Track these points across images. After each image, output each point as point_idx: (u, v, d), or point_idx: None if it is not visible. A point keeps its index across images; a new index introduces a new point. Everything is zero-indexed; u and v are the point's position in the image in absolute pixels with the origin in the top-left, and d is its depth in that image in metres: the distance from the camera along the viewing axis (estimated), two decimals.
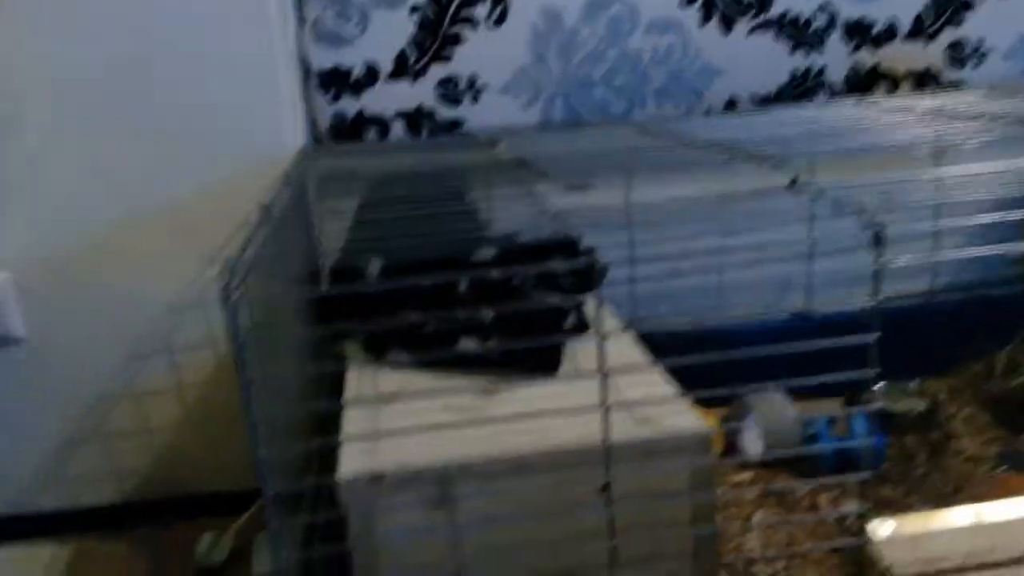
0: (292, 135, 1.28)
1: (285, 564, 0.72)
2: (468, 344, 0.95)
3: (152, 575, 1.34)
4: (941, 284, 1.46)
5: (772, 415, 1.27)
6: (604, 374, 0.73)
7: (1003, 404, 1.31)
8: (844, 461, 1.20)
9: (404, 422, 0.86)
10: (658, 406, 0.85)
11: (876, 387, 1.29)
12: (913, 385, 1.39)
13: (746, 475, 1.27)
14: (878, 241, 0.64)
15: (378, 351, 1.02)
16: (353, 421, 0.88)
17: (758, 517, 1.16)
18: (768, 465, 1.27)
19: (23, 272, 1.34)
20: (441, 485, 0.77)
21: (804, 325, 1.40)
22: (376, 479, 0.77)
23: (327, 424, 0.89)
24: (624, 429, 0.79)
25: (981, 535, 0.70)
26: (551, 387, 0.92)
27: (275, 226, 0.82)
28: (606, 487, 0.76)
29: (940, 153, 0.81)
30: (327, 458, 0.79)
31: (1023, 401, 1.28)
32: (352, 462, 0.79)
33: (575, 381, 0.93)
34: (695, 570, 0.81)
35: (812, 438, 1.25)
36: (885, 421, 1.26)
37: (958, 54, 1.34)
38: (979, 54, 1.35)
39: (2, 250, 1.33)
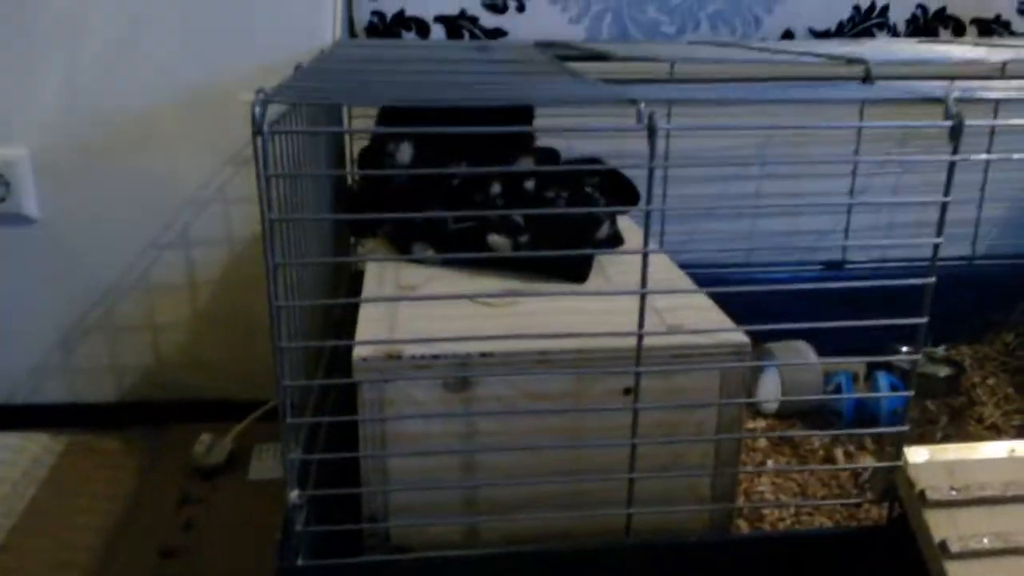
0: (329, 29, 1.23)
1: (293, 466, 0.69)
2: (497, 241, 0.91)
3: (146, 473, 1.32)
4: (981, 251, 1.42)
5: (794, 366, 1.23)
6: (643, 276, 0.69)
7: None
8: (864, 417, 1.17)
9: (427, 312, 0.83)
10: (694, 314, 0.81)
11: (903, 349, 1.27)
12: (941, 350, 1.35)
13: (761, 422, 1.24)
14: (956, 133, 0.59)
15: (403, 245, 0.98)
16: (372, 308, 0.84)
17: (771, 463, 1.14)
18: (785, 415, 1.23)
19: (42, 149, 1.31)
20: (461, 369, 0.74)
21: (838, 277, 1.36)
22: (393, 357, 0.73)
23: (345, 323, 0.86)
24: (656, 334, 0.75)
25: (1019, 467, 0.67)
26: (580, 298, 0.89)
27: (308, 84, 0.78)
28: (630, 390, 0.73)
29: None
30: (342, 360, 0.76)
31: None
32: (369, 339, 0.75)
33: (605, 290, 0.90)
34: (714, 483, 0.78)
35: (833, 391, 1.22)
36: (909, 383, 1.23)
37: None
38: None
39: (22, 123, 1.30)
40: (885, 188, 1.39)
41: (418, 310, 0.82)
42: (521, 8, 1.27)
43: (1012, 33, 1.25)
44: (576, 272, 0.91)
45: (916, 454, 0.70)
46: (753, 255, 1.41)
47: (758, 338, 1.23)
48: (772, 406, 1.24)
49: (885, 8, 1.25)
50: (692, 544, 0.74)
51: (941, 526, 0.65)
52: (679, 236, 1.32)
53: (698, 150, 1.28)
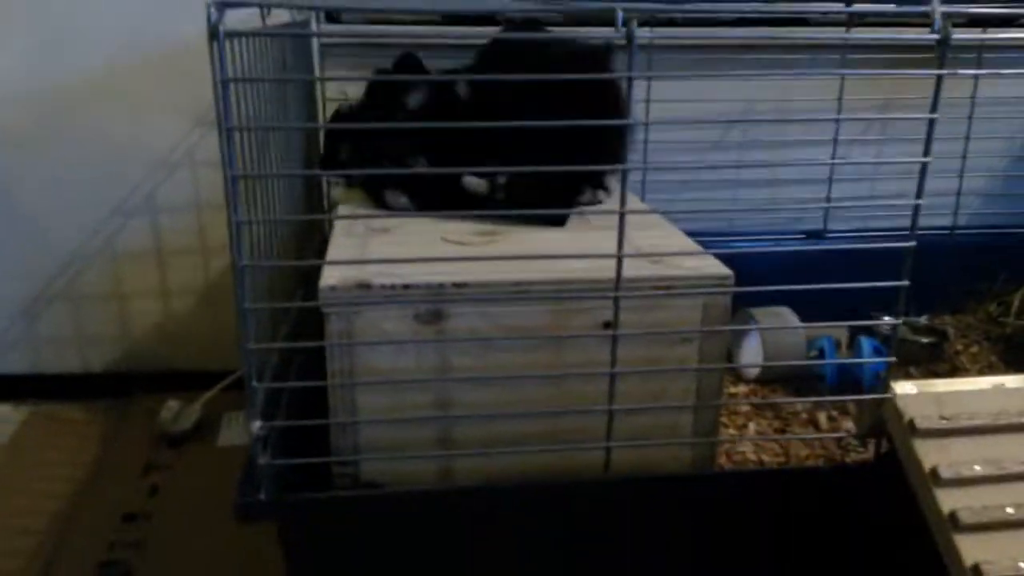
0: None
1: (255, 393, 0.65)
2: (473, 182, 0.88)
3: (111, 440, 1.28)
4: (962, 222, 1.41)
5: (776, 329, 1.21)
6: (622, 197, 0.66)
7: (1012, 343, 1.26)
8: (846, 382, 1.15)
9: (398, 248, 0.80)
10: (676, 252, 0.79)
11: (885, 317, 1.26)
12: (924, 319, 1.34)
13: (742, 387, 1.21)
14: (942, 45, 0.57)
15: (375, 191, 0.95)
16: (343, 240, 0.81)
17: (752, 427, 1.11)
18: (768, 380, 1.21)
19: (2, 106, 1.27)
20: (434, 300, 0.71)
21: (820, 246, 1.35)
22: (362, 286, 0.70)
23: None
24: (637, 267, 0.73)
25: (1010, 398, 0.65)
26: (559, 233, 0.86)
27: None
28: (609, 323, 0.70)
29: None
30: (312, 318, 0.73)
31: None
32: (337, 271, 0.72)
33: (586, 230, 0.87)
34: (696, 421, 0.75)
35: (816, 357, 1.20)
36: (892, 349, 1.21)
37: None
38: None
39: None
40: (867, 159, 1.38)
41: (390, 246, 0.79)
42: None
43: None
44: (555, 217, 0.89)
45: (904, 387, 0.68)
46: (735, 224, 1.39)
47: (740, 304, 1.23)
48: (754, 371, 1.22)
49: None
50: (675, 479, 0.71)
51: (931, 454, 0.63)
52: (660, 205, 1.30)
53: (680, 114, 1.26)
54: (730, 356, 1.24)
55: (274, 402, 0.73)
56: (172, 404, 1.30)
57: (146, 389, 1.40)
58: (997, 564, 0.57)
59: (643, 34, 0.59)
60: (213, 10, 0.58)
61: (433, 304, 0.71)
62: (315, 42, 1.22)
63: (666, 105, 1.21)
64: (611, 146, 0.69)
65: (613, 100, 0.86)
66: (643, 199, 1.31)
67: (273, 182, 0.88)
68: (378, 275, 0.71)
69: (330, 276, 0.70)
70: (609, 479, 0.70)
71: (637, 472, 0.70)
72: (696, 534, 0.72)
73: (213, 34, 0.58)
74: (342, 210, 0.94)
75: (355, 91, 1.10)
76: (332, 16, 1.28)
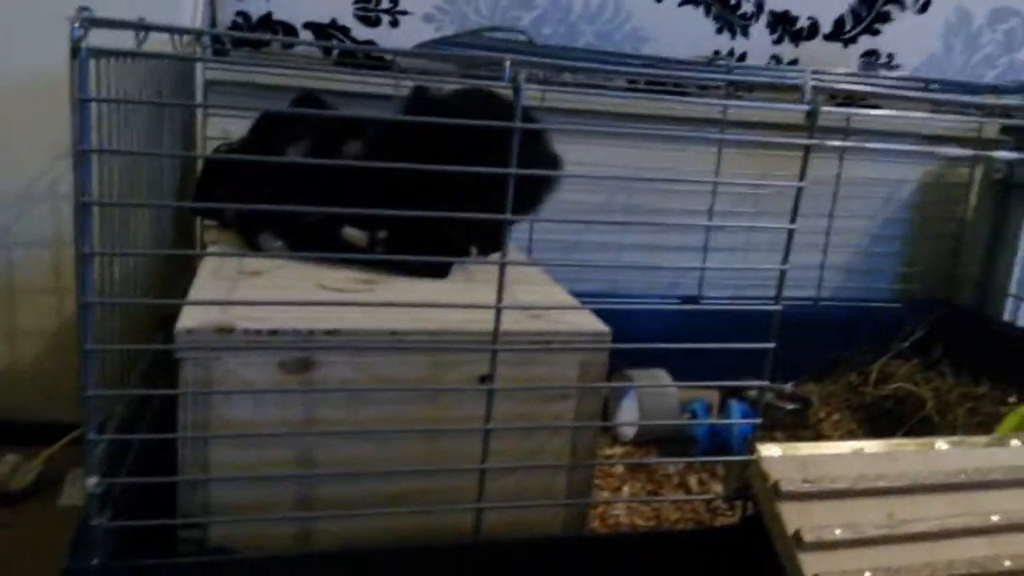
0: (189, 23, 1.16)
1: (92, 447, 0.60)
2: (353, 234, 0.86)
3: None
4: (825, 294, 1.49)
5: (652, 392, 1.23)
6: (502, 264, 0.66)
7: (872, 412, 1.32)
8: (717, 445, 1.18)
9: (269, 292, 0.76)
10: (555, 307, 0.78)
11: (753, 384, 1.30)
12: (788, 387, 1.39)
13: (618, 449, 1.22)
14: (812, 116, 0.60)
15: (249, 234, 0.91)
16: (206, 286, 0.77)
17: (627, 490, 1.11)
18: (642, 442, 1.22)
19: None
20: (302, 348, 0.67)
21: (695, 312, 1.39)
22: (224, 330, 0.66)
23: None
24: (516, 321, 0.72)
25: (868, 463, 0.67)
26: (441, 285, 0.84)
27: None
28: (486, 377, 0.68)
29: None
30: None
31: (891, 409, 1.30)
32: (197, 312, 0.67)
33: (468, 283, 0.86)
34: (570, 481, 0.73)
35: (689, 419, 1.22)
36: (762, 408, 1.25)
37: (872, 63, 1.39)
38: (891, 66, 1.41)
39: None
40: (740, 232, 1.45)
41: (261, 290, 0.75)
42: (395, 23, 1.25)
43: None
44: (437, 268, 0.87)
45: (769, 449, 0.69)
46: (617, 287, 1.42)
47: (619, 367, 1.25)
48: (630, 433, 1.22)
49: (743, 55, 1.32)
50: (543, 542, 0.69)
51: (794, 518, 0.64)
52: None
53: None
54: (607, 418, 1.25)
55: (119, 457, 0.67)
56: (10, 458, 1.18)
57: None
58: None
59: (533, 91, 0.59)
60: (77, 26, 0.55)
61: (301, 352, 0.67)
62: (199, 74, 1.18)
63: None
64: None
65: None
66: (530, 252, 1.31)
67: (137, 221, 0.83)
68: (242, 319, 0.67)
69: (188, 318, 0.66)
70: (476, 542, 0.67)
71: (506, 535, 0.67)
72: None
73: (75, 50, 0.54)
74: (212, 250, 0.89)
75: (240, 132, 1.06)
76: (219, 52, 1.24)
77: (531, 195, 0.84)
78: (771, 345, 0.70)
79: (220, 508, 0.67)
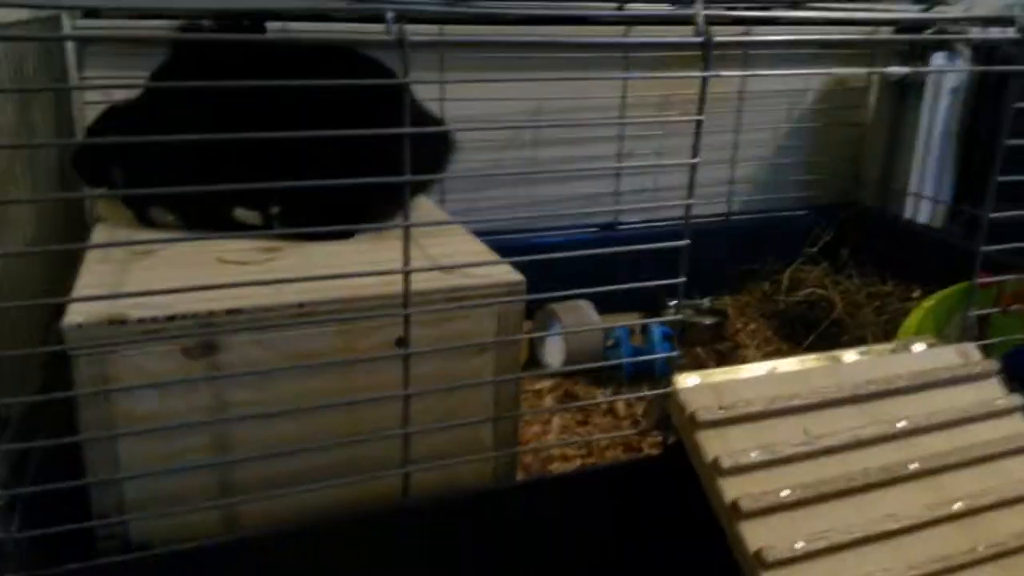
0: None
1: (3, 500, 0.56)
2: (244, 215, 0.82)
3: None
4: (735, 207, 1.51)
5: (576, 324, 1.24)
6: (405, 211, 0.63)
7: (785, 318, 1.37)
8: (641, 368, 1.20)
9: (164, 272, 0.72)
10: (468, 259, 0.77)
11: (671, 303, 1.32)
12: (707, 301, 1.42)
13: (546, 383, 1.23)
14: (706, 47, 0.59)
15: (139, 207, 0.85)
16: (95, 272, 0.72)
17: (556, 421, 1.13)
18: (570, 373, 1.24)
19: None
20: (204, 332, 0.64)
21: (611, 239, 1.39)
22: (116, 322, 0.62)
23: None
24: (428, 279, 0.70)
25: (781, 384, 0.69)
26: (347, 246, 0.81)
27: None
28: (402, 340, 0.67)
29: None
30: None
31: (804, 315, 1.34)
32: (85, 305, 0.63)
33: (376, 242, 0.83)
34: (496, 431, 0.74)
35: (613, 347, 1.24)
36: (678, 333, 1.28)
37: None
38: None
39: None
40: (650, 151, 1.44)
41: (155, 270, 0.71)
42: None
43: None
44: (341, 233, 0.84)
45: (686, 380, 0.70)
46: (534, 221, 1.40)
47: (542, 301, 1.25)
48: (557, 363, 1.24)
49: None
50: (473, 496, 0.69)
51: (713, 445, 0.65)
52: (459, 206, 1.28)
53: (473, 115, 1.25)
54: (533, 353, 1.26)
55: (22, 463, 0.63)
56: None
57: None
58: (777, 547, 0.60)
59: (419, 33, 0.55)
60: None
61: (203, 336, 0.64)
62: (68, 43, 1.09)
63: (459, 105, 1.20)
64: (403, 157, 0.64)
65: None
66: (443, 201, 1.29)
67: (16, 207, 0.77)
68: (136, 306, 0.63)
69: (76, 313, 0.62)
70: (407, 505, 0.67)
71: (437, 493, 0.67)
72: (504, 545, 0.71)
73: None
74: (99, 231, 0.84)
75: (122, 95, 0.99)
76: (90, 12, 1.14)
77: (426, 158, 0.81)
78: (682, 279, 0.71)
79: (137, 503, 0.65)
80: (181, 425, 0.63)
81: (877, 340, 1.23)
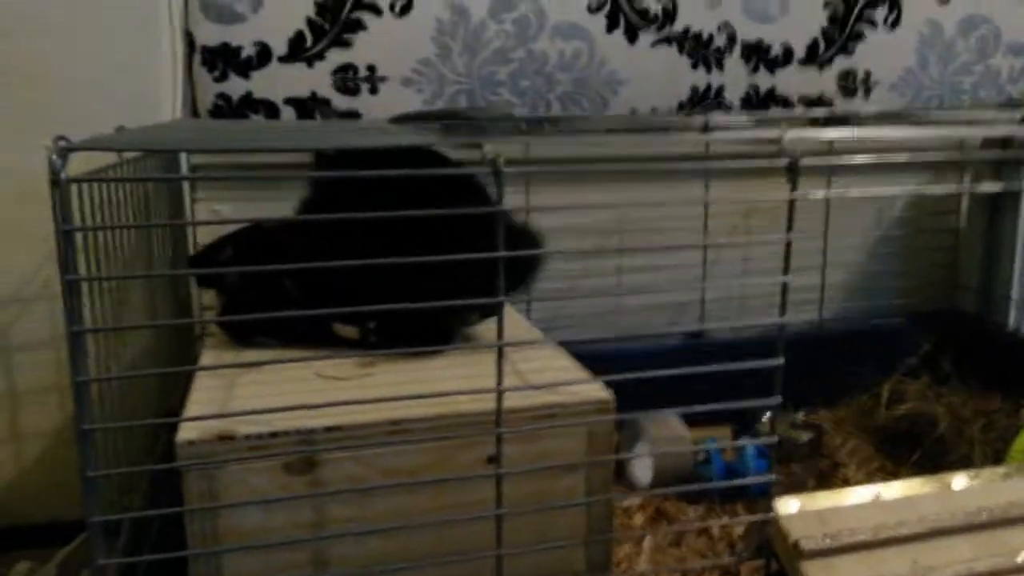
0: (168, 110, 1.17)
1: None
2: (343, 329, 0.85)
3: None
4: (828, 315, 1.48)
5: (665, 438, 1.22)
6: (499, 329, 0.65)
7: (887, 434, 1.31)
8: (734, 487, 1.16)
9: (268, 388, 0.76)
10: (557, 375, 0.78)
11: (764, 416, 1.29)
12: (799, 415, 1.38)
13: (636, 500, 1.20)
14: (792, 169, 0.60)
15: (241, 338, 0.90)
16: (208, 382, 0.76)
17: (648, 541, 1.10)
18: (659, 486, 1.21)
19: None
20: (305, 447, 0.66)
21: (698, 348, 1.38)
22: (225, 438, 0.65)
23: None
24: (519, 396, 0.71)
25: (887, 511, 0.66)
26: (440, 360, 0.84)
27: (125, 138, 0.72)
28: (493, 458, 0.67)
29: None
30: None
31: (907, 431, 1.29)
32: (196, 423, 0.67)
33: (467, 356, 0.85)
34: (588, 554, 0.72)
35: (704, 462, 1.21)
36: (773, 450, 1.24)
37: (848, 83, 1.40)
38: (868, 83, 1.41)
39: None
40: (735, 261, 1.44)
41: (259, 387, 0.75)
42: (374, 90, 1.26)
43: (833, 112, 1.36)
44: (436, 344, 0.86)
45: (787, 505, 0.68)
46: (620, 330, 1.41)
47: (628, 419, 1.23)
48: (646, 479, 1.21)
49: (720, 88, 1.33)
50: None
51: (818, 575, 0.63)
52: (545, 314, 1.30)
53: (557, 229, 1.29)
54: (621, 466, 1.24)
55: (132, 567, 0.66)
56: (22, 567, 1.17)
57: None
58: None
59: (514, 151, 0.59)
60: (55, 157, 0.55)
61: (303, 452, 0.67)
62: (184, 163, 1.18)
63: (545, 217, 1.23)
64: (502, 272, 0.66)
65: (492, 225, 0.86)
66: (528, 309, 1.31)
67: (136, 303, 0.82)
68: (243, 424, 0.66)
69: (189, 429, 0.65)
70: None
71: None
72: None
73: (54, 182, 0.54)
74: (208, 348, 0.89)
75: (231, 213, 1.06)
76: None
77: (520, 270, 0.84)
78: (780, 361, 0.69)
79: None
80: (283, 542, 0.65)
81: (985, 459, 1.17)
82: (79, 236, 0.60)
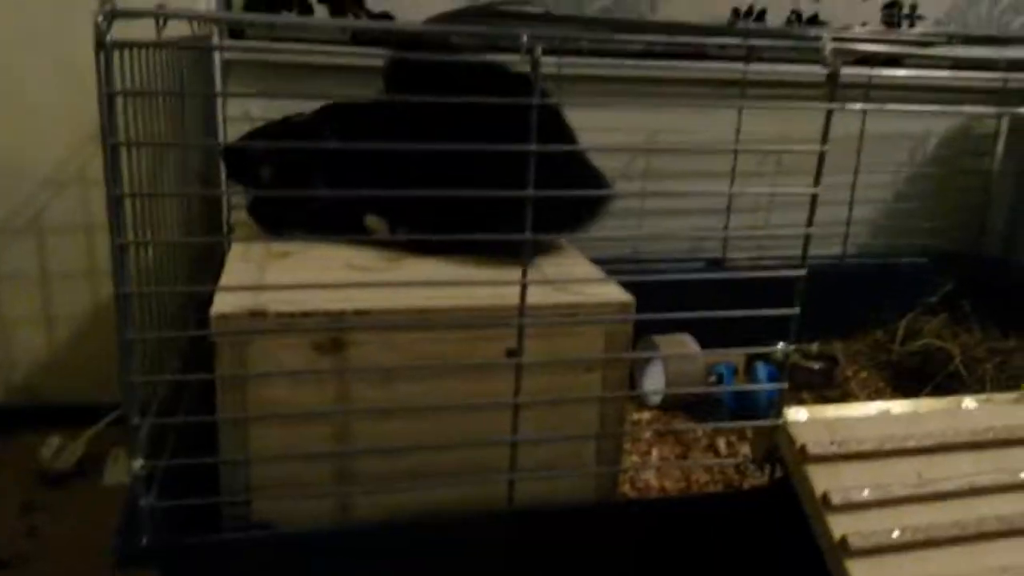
0: (204, 5, 1.17)
1: (137, 431, 0.62)
2: (374, 222, 0.87)
3: None
4: (852, 250, 1.48)
5: (677, 357, 1.24)
6: (528, 221, 0.66)
7: (900, 368, 1.32)
8: (744, 407, 1.18)
9: (298, 274, 0.78)
10: (579, 280, 0.79)
11: (779, 345, 1.30)
12: (815, 346, 1.39)
13: (646, 414, 1.23)
14: (832, 80, 0.60)
15: (272, 226, 0.92)
16: (237, 269, 0.78)
17: (656, 453, 1.13)
18: (669, 407, 1.23)
19: None
20: (333, 328, 0.68)
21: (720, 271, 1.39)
22: (257, 314, 0.68)
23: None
24: (541, 294, 0.73)
25: (894, 424, 0.68)
26: (465, 259, 0.85)
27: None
28: (514, 351, 0.69)
29: None
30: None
31: (919, 366, 1.30)
32: (230, 298, 0.69)
33: (490, 259, 0.86)
34: (599, 450, 0.75)
35: (716, 383, 1.23)
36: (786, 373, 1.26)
37: (893, 15, 1.37)
38: (914, 17, 1.38)
39: None
40: (762, 191, 1.44)
41: (289, 272, 0.77)
42: None
43: None
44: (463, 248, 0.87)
45: (796, 413, 0.70)
46: (640, 252, 1.42)
47: (643, 332, 1.25)
48: (657, 398, 1.23)
49: (763, 11, 1.30)
50: (576, 509, 0.71)
51: (822, 480, 0.65)
52: None
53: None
54: (633, 383, 1.26)
55: (161, 438, 0.69)
56: (54, 440, 1.22)
57: (26, 424, 1.31)
58: None
59: (549, 62, 0.59)
60: (101, 20, 0.55)
61: (333, 332, 0.69)
62: (217, 57, 1.18)
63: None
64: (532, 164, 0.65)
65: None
66: None
67: (166, 201, 0.84)
68: (274, 302, 0.68)
69: (222, 304, 0.67)
70: (511, 512, 0.69)
71: (539, 503, 0.69)
72: (599, 562, 0.72)
73: (100, 45, 0.55)
74: (239, 235, 0.91)
75: (259, 112, 1.07)
76: (236, 32, 1.24)
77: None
78: (795, 310, 0.71)
79: (261, 485, 0.70)
80: (308, 414, 0.67)
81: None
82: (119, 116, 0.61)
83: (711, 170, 1.39)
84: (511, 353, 0.70)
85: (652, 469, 1.05)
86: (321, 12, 1.25)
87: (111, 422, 1.23)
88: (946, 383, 1.24)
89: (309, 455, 0.68)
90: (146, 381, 0.63)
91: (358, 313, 0.69)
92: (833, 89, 0.62)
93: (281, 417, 0.67)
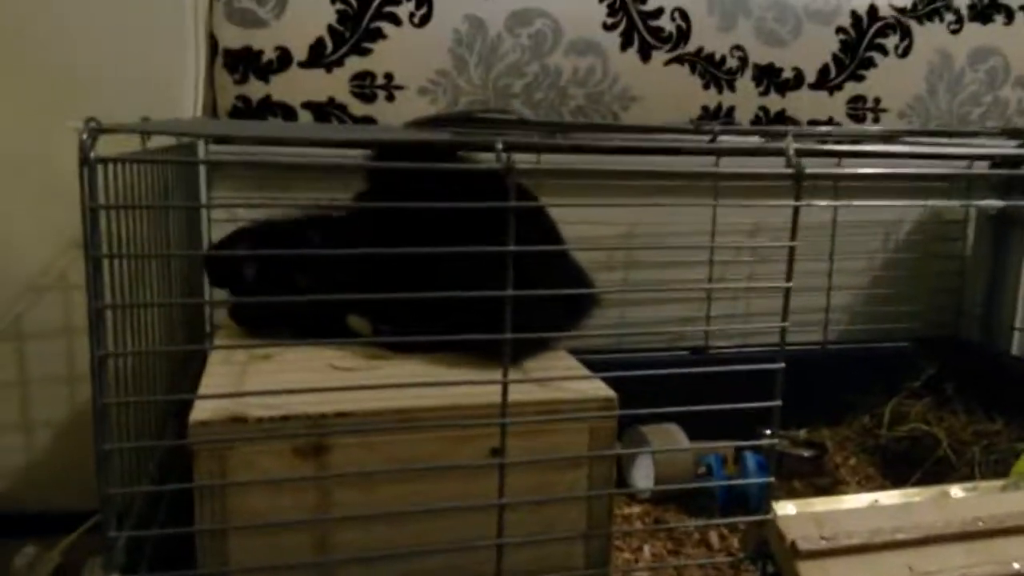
0: (190, 109, 1.20)
1: (112, 545, 0.61)
2: (357, 323, 0.87)
3: None
4: (833, 336, 1.49)
5: (666, 451, 1.23)
6: (506, 323, 0.67)
7: (888, 454, 1.32)
8: (735, 499, 1.17)
9: (280, 376, 0.78)
10: (562, 375, 0.79)
11: (767, 431, 1.30)
12: (803, 433, 1.39)
13: (636, 507, 1.21)
14: (797, 180, 0.62)
15: (254, 326, 0.92)
16: (217, 373, 0.78)
17: (647, 551, 1.10)
18: (660, 499, 1.22)
19: None
20: (314, 432, 0.68)
21: (703, 361, 1.39)
22: (237, 420, 0.67)
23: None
24: (524, 391, 0.73)
25: (884, 516, 0.67)
26: (447, 357, 0.85)
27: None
28: (497, 451, 0.69)
29: None
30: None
31: (907, 451, 1.29)
32: (209, 404, 0.69)
33: (471, 357, 0.86)
34: (587, 550, 0.73)
35: (705, 475, 1.22)
36: (775, 465, 1.25)
37: (858, 109, 1.42)
38: (877, 110, 1.44)
39: None
40: (740, 277, 1.46)
41: (271, 374, 0.77)
42: (390, 98, 1.29)
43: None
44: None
45: (785, 507, 0.69)
46: (623, 343, 1.42)
47: (631, 422, 1.25)
48: (647, 491, 1.22)
49: (731, 109, 1.35)
50: None
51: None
52: None
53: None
54: (622, 475, 1.24)
55: (138, 549, 0.67)
56: (29, 550, 1.18)
57: (4, 533, 1.27)
58: None
59: (528, 159, 0.61)
60: (85, 137, 0.57)
61: (314, 436, 0.68)
62: (202, 167, 1.21)
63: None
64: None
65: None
66: None
67: (148, 311, 0.84)
68: (254, 407, 0.68)
69: (201, 410, 0.67)
70: None
71: None
72: None
73: (83, 161, 0.57)
74: (221, 337, 0.91)
75: (245, 212, 1.08)
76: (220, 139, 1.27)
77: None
78: (777, 403, 0.71)
79: None
80: (290, 523, 0.66)
81: (985, 480, 1.17)
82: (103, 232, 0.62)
83: (691, 259, 1.42)
84: (495, 452, 0.70)
85: (645, 573, 1.03)
86: (305, 117, 1.28)
87: (87, 530, 1.20)
88: (935, 468, 1.23)
89: (291, 565, 0.66)
90: (124, 493, 0.62)
91: (340, 415, 0.69)
92: (799, 188, 0.64)
93: (260, 527, 0.65)
